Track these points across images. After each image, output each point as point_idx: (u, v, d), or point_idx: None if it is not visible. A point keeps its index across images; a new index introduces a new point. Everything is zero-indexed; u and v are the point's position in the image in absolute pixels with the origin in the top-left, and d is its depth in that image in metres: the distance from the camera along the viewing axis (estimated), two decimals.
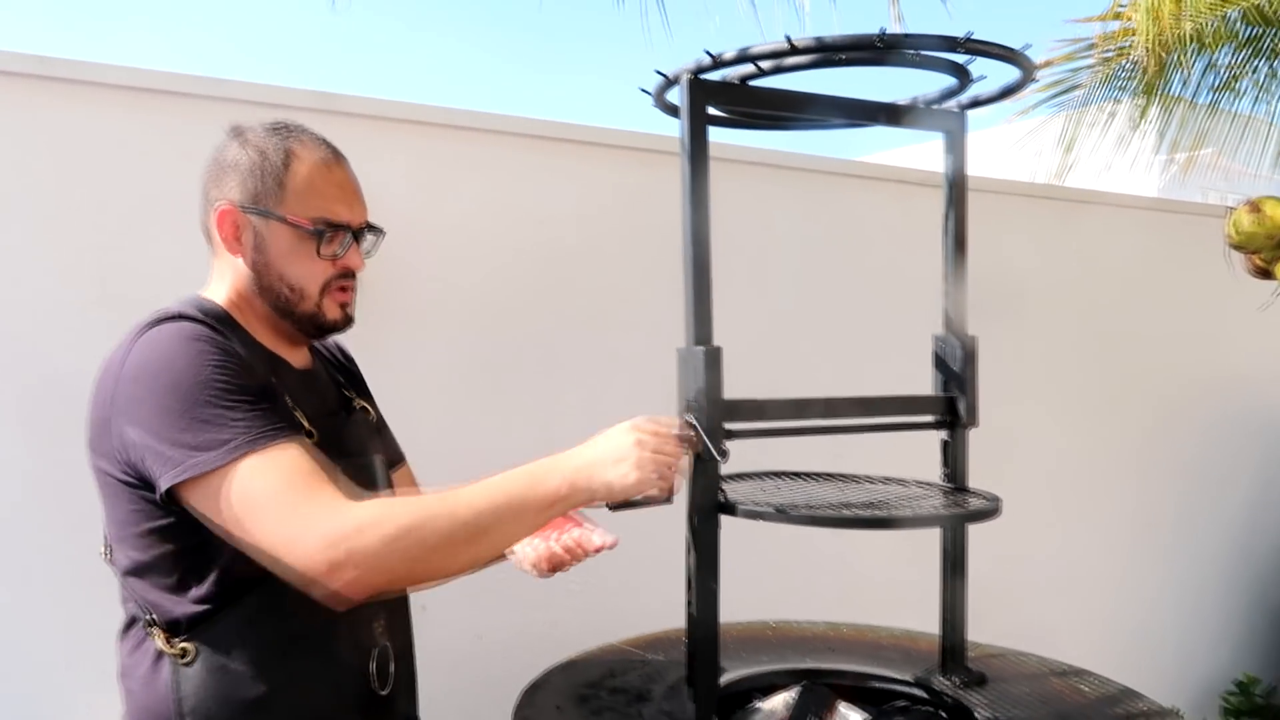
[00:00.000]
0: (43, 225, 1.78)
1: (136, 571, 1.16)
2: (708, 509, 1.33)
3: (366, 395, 1.48)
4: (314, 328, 1.28)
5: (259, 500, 1.06)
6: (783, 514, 1.32)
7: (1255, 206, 1.94)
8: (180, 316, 1.15)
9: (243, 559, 1.10)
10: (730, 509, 1.35)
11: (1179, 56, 3.26)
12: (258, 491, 1.06)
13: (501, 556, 1.30)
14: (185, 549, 1.13)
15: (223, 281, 1.27)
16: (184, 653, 1.13)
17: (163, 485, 1.08)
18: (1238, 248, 2.01)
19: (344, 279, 1.27)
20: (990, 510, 1.38)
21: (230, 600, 1.14)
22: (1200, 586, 3.61)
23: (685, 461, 1.26)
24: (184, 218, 1.84)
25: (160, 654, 1.15)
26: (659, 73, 1.37)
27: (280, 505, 1.06)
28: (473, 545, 1.11)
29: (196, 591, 1.14)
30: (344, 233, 1.25)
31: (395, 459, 1.50)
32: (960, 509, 1.42)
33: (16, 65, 1.75)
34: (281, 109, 1.93)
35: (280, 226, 1.23)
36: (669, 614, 1.83)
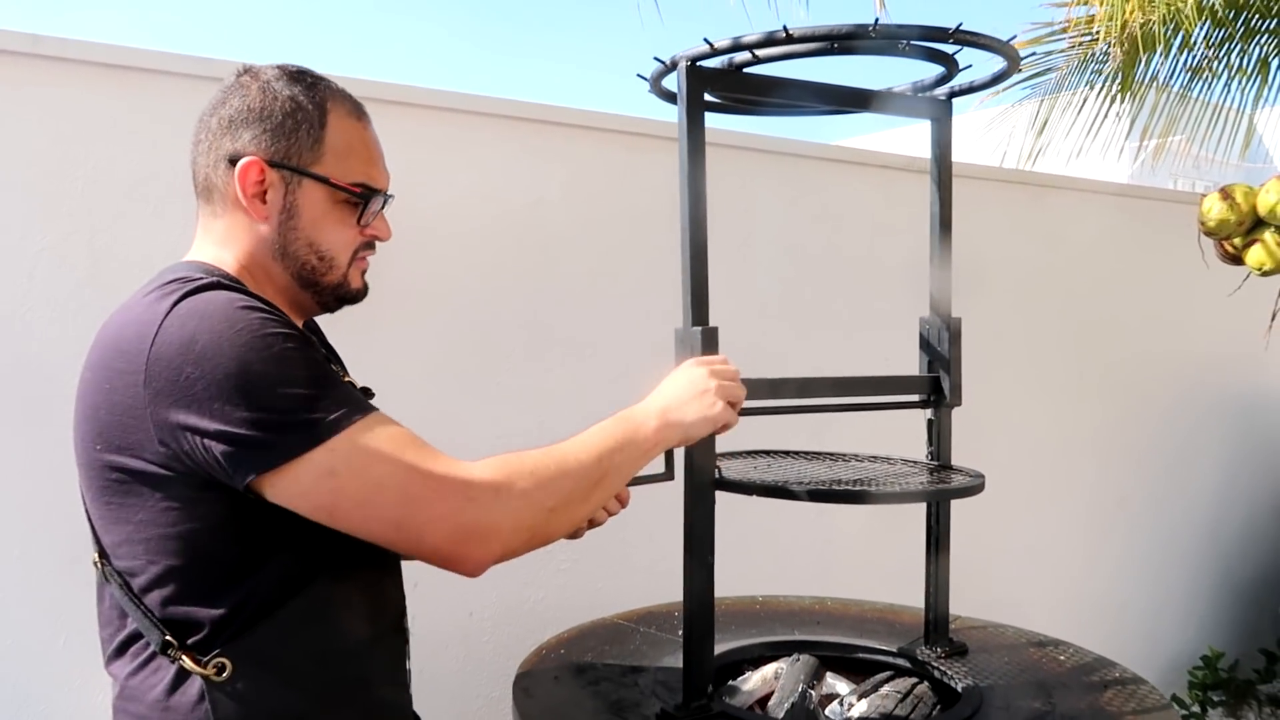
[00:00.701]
0: (33, 204, 1.78)
1: (157, 581, 1.00)
2: (703, 485, 1.36)
3: (344, 369, 1.40)
4: (335, 299, 1.16)
5: (377, 476, 0.96)
6: (779, 490, 1.36)
7: (1227, 193, 2.00)
8: (216, 285, 1.01)
9: (292, 558, 1.01)
10: (726, 485, 1.39)
11: (1150, 40, 3.30)
12: (372, 464, 0.96)
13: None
14: (229, 549, 1.00)
15: (229, 246, 1.11)
16: (220, 669, 0.99)
17: (249, 474, 0.94)
18: (1209, 234, 2.06)
19: (369, 248, 1.17)
20: (975, 486, 1.43)
21: (277, 604, 1.01)
22: (1168, 564, 3.71)
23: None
24: (174, 197, 1.87)
25: (182, 674, 1.00)
26: (656, 59, 1.40)
27: (404, 479, 0.97)
28: (595, 493, 1.09)
29: (235, 598, 0.99)
30: (380, 199, 1.14)
31: None
32: (945, 485, 1.47)
33: (6, 43, 1.74)
34: None
35: (316, 188, 1.09)
36: (657, 589, 1.88)
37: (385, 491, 0.96)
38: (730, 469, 1.52)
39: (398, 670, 1.19)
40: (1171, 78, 3.82)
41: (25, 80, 1.76)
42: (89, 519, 1.07)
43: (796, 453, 1.69)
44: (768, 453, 1.68)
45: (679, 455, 1.34)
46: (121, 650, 1.05)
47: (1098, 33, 3.51)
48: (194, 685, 1.00)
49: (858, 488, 1.39)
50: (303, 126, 1.09)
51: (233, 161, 1.08)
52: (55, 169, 1.79)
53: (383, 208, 1.16)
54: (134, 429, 0.97)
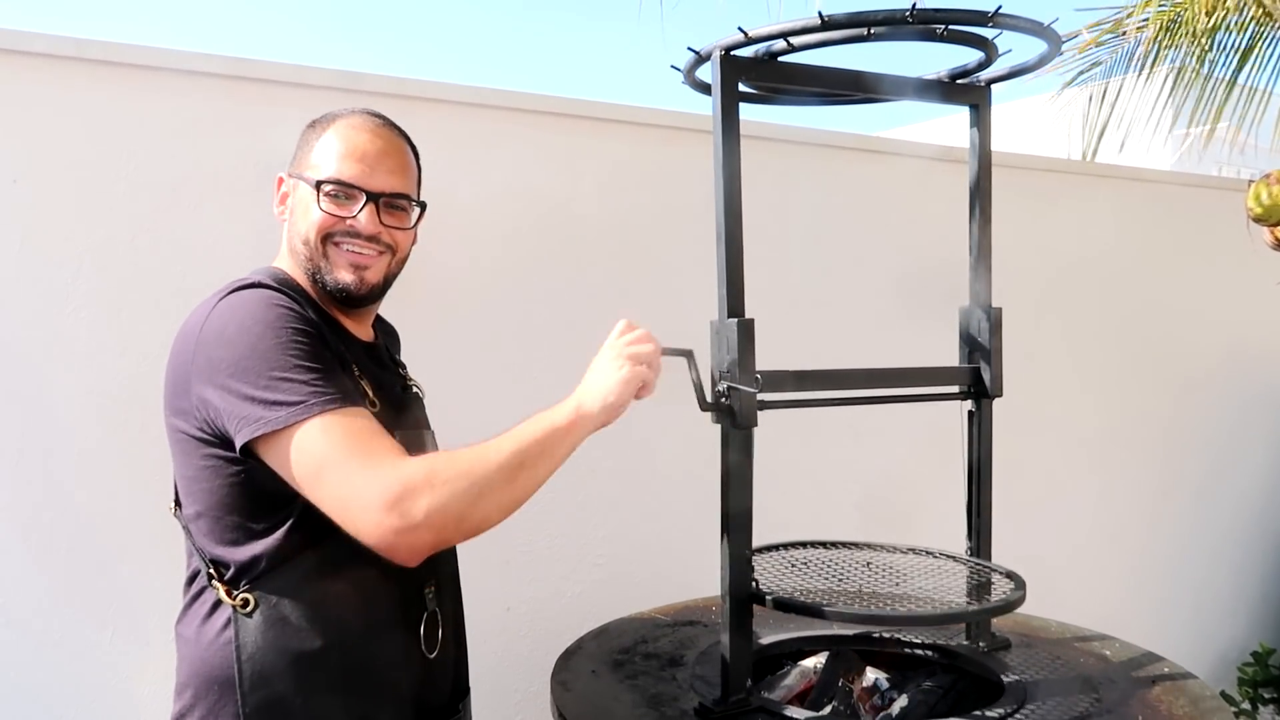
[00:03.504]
0: (76, 205, 1.81)
1: (203, 524, 1.20)
2: (741, 599, 1.37)
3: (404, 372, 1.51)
4: (334, 285, 1.28)
5: (326, 458, 1.11)
6: (817, 612, 1.34)
7: (1275, 179, 1.95)
8: (258, 285, 1.21)
9: (307, 515, 1.15)
10: (762, 599, 1.38)
11: (1204, 26, 3.25)
12: (324, 450, 1.11)
13: None
14: (252, 503, 1.18)
15: (284, 249, 1.34)
16: (245, 603, 1.17)
17: (239, 440, 1.13)
18: (1257, 220, 2.02)
19: (352, 238, 1.28)
20: (1014, 601, 1.39)
21: (291, 554, 1.18)
22: (1216, 557, 3.63)
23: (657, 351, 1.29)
24: (214, 197, 1.89)
25: (218, 604, 1.19)
26: (690, 49, 1.39)
27: (344, 463, 1.10)
28: (511, 486, 1.15)
29: (260, 544, 1.18)
30: (354, 191, 1.27)
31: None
32: (985, 605, 1.44)
33: (52, 47, 1.77)
34: (306, 88, 1.96)
35: (299, 184, 1.30)
36: (694, 583, 1.87)
37: (328, 473, 1.11)
38: (765, 567, 1.52)
39: (410, 630, 1.27)
40: (1217, 66, 3.75)
41: (70, 84, 1.79)
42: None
43: (833, 544, 1.67)
44: (803, 544, 1.66)
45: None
46: (187, 584, 1.26)
47: (1146, 20, 3.46)
48: (223, 615, 1.19)
49: (898, 611, 1.39)
50: (304, 145, 1.32)
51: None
52: (98, 170, 1.82)
53: (366, 204, 1.27)
54: (184, 398, 1.18)
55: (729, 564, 1.37)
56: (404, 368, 1.49)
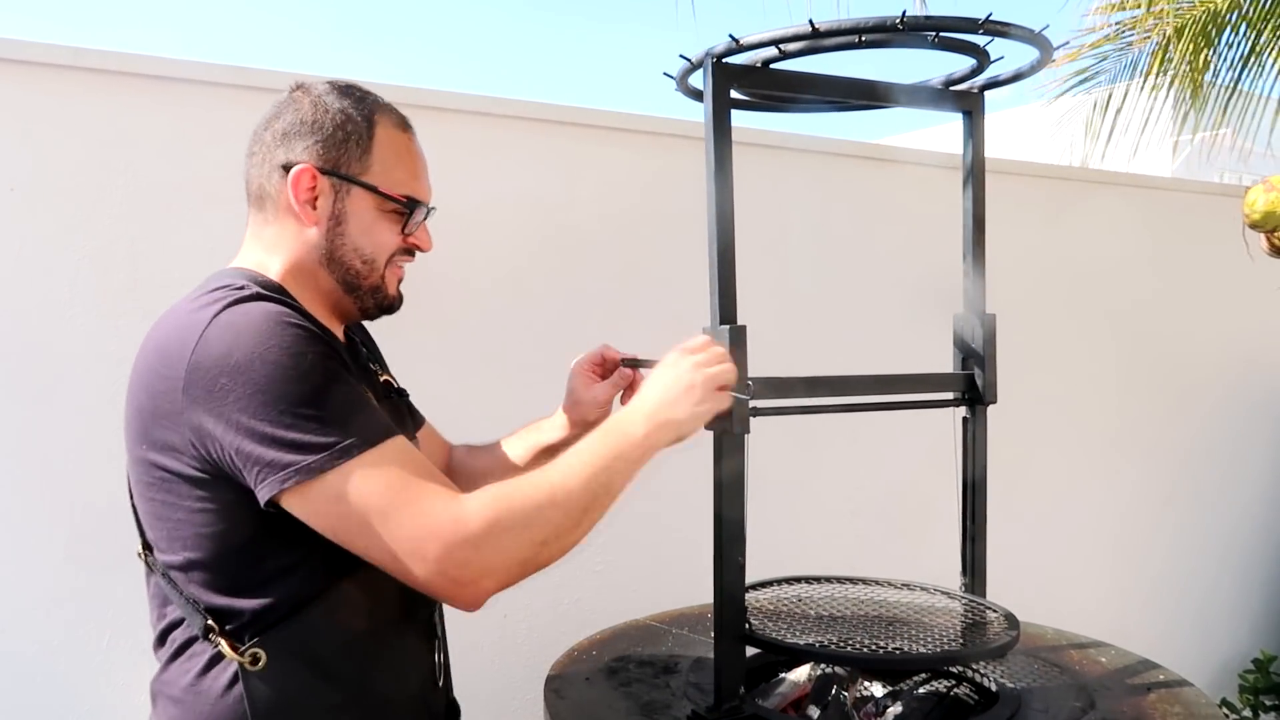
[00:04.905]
0: (75, 212, 1.81)
1: (196, 572, 1.05)
2: (733, 638, 1.37)
3: (386, 369, 1.44)
4: (375, 305, 1.20)
5: (372, 506, 0.97)
6: (807, 654, 1.35)
7: (1272, 185, 1.95)
8: (258, 296, 1.04)
9: (321, 559, 1.03)
10: (754, 641, 1.38)
11: (1204, 36, 3.25)
12: (370, 496, 0.97)
13: None
14: (262, 547, 1.04)
15: (277, 251, 1.15)
16: (255, 658, 1.03)
17: (264, 494, 0.97)
18: (1254, 226, 2.01)
19: (408, 255, 1.21)
20: (1010, 644, 1.38)
21: (311, 596, 1.05)
22: (1217, 564, 3.62)
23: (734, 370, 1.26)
24: (213, 204, 1.90)
25: (217, 660, 1.05)
26: (682, 57, 1.39)
27: (396, 512, 0.98)
28: (586, 518, 1.08)
29: (271, 591, 1.04)
30: (423, 210, 1.19)
31: (418, 424, 1.49)
32: (976, 646, 1.43)
33: (49, 56, 1.78)
34: None
35: (364, 196, 1.14)
36: (690, 591, 1.87)
37: (385, 525, 0.98)
38: (759, 603, 1.53)
39: (425, 665, 1.21)
40: (1219, 71, 3.75)
41: (67, 92, 1.80)
42: (135, 512, 1.12)
43: (826, 578, 1.67)
44: (796, 580, 1.66)
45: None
46: (163, 638, 1.10)
47: (1150, 29, 3.46)
48: (227, 671, 1.04)
49: (889, 654, 1.37)
50: (352, 137, 1.14)
51: (286, 169, 1.13)
52: (96, 178, 1.83)
53: (424, 219, 1.21)
54: (172, 431, 1.01)
55: (722, 572, 1.37)
56: (380, 364, 1.39)
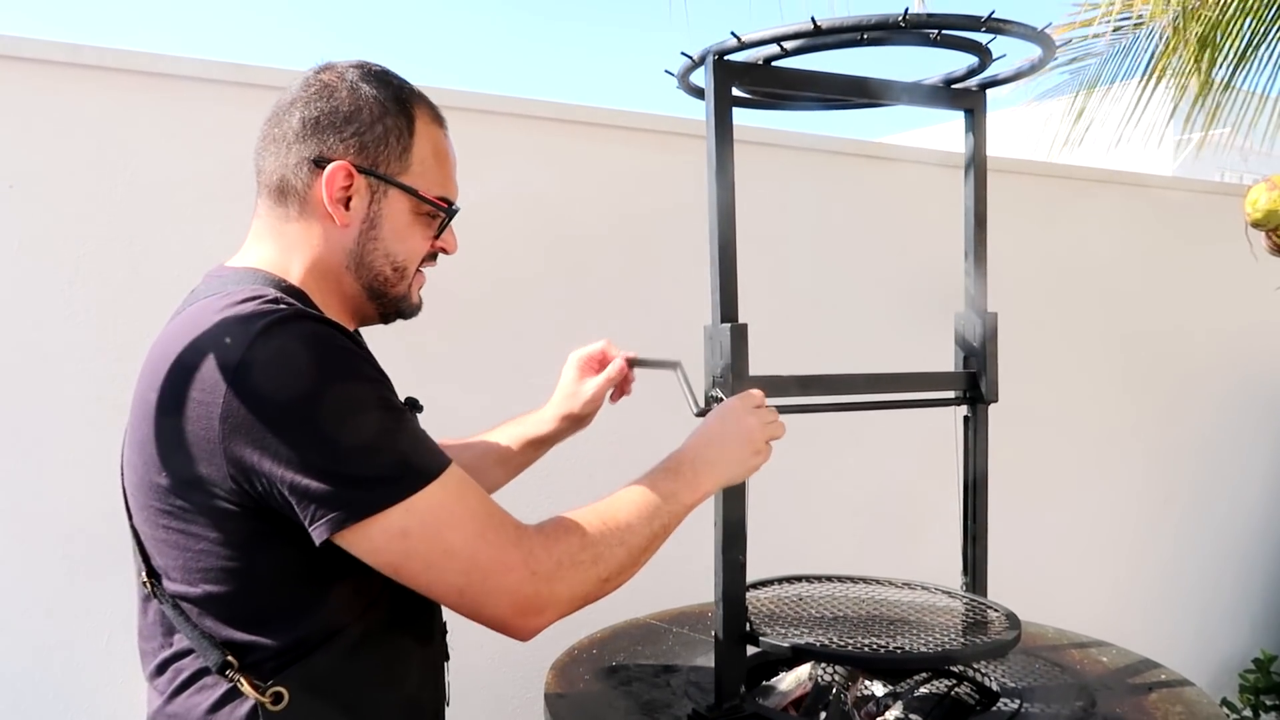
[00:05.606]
0: (74, 210, 1.81)
1: (216, 606, 0.97)
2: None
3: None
4: (396, 311, 1.14)
5: (436, 543, 0.93)
6: (808, 653, 1.35)
7: (1274, 183, 1.94)
8: (298, 315, 0.94)
9: (351, 592, 0.99)
10: (754, 639, 1.39)
11: (1204, 30, 3.24)
12: (433, 532, 0.93)
13: None
14: (289, 586, 0.98)
15: (298, 252, 1.06)
16: (277, 697, 0.96)
17: (321, 533, 0.90)
18: (1256, 225, 2.00)
19: (432, 260, 1.15)
20: (1008, 643, 1.38)
21: (328, 637, 0.99)
22: (1218, 563, 3.62)
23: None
24: (212, 201, 1.89)
25: (232, 696, 0.97)
26: (684, 54, 1.39)
27: (461, 548, 0.94)
28: (644, 556, 1.08)
29: (293, 631, 0.97)
30: (454, 214, 1.13)
31: None
32: (977, 645, 1.42)
33: (47, 53, 1.77)
34: None
35: (402, 198, 1.07)
36: (691, 589, 1.86)
37: (454, 559, 0.95)
38: (760, 603, 1.53)
39: (439, 691, 1.19)
40: (1219, 66, 3.74)
41: (65, 89, 1.80)
42: (136, 536, 1.03)
43: (827, 577, 1.68)
44: (797, 579, 1.66)
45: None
46: (164, 668, 1.02)
47: (1142, 16, 3.45)
48: (243, 707, 0.97)
49: (890, 653, 1.36)
50: (392, 134, 1.05)
51: (319, 164, 1.04)
52: (95, 175, 1.83)
53: (450, 220, 1.15)
54: (205, 462, 0.92)
55: (722, 571, 1.37)
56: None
